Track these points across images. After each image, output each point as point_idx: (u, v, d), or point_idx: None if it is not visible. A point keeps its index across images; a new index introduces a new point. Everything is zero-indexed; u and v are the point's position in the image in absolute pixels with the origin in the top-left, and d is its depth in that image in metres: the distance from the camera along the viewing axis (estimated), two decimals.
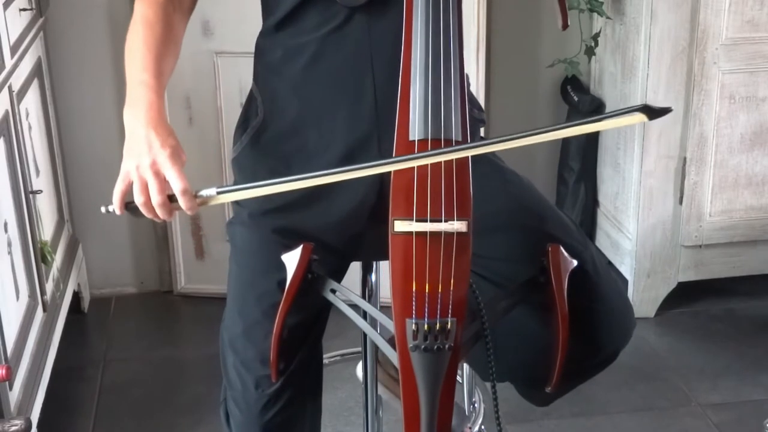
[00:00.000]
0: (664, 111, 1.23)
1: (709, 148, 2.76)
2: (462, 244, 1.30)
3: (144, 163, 1.36)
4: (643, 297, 2.90)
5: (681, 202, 2.80)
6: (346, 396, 2.52)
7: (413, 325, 1.28)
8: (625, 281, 2.90)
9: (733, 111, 2.73)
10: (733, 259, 2.88)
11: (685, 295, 2.94)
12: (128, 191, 1.38)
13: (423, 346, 1.27)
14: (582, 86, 3.11)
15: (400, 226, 1.30)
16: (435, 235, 1.29)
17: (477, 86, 2.83)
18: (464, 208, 1.31)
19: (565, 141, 3.13)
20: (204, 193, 1.35)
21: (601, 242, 3.10)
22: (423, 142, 1.33)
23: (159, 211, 1.36)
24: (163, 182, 1.35)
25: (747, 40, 2.68)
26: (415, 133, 1.34)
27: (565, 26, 1.50)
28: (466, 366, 2.04)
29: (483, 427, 2.08)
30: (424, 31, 1.36)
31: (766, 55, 2.70)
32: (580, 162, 3.09)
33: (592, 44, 2.99)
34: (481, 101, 2.80)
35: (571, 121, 3.13)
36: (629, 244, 2.88)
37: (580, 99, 3.05)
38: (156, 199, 1.35)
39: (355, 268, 1.72)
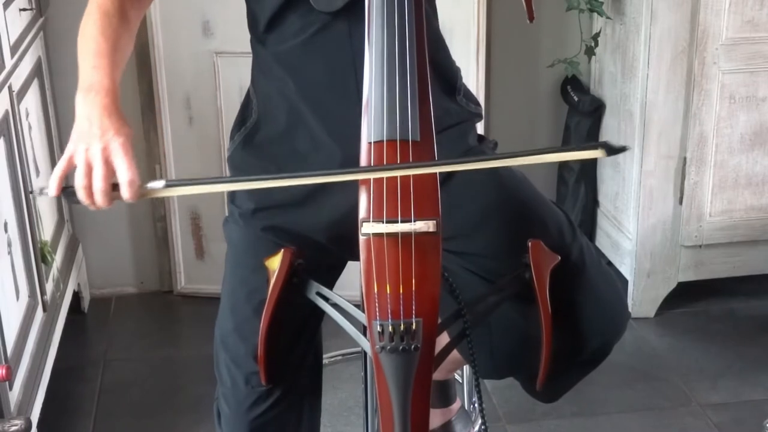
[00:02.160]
0: (621, 149, 1.25)
1: (709, 148, 2.76)
2: (425, 243, 1.29)
3: (95, 147, 1.33)
4: (643, 297, 2.90)
5: (681, 202, 2.80)
6: (346, 396, 2.52)
7: (378, 327, 1.27)
8: (625, 281, 2.90)
9: (733, 111, 2.73)
10: (733, 259, 2.88)
11: (685, 295, 2.94)
12: (68, 174, 1.35)
13: (389, 347, 1.26)
14: (582, 86, 3.11)
15: (364, 228, 1.30)
16: (392, 236, 1.28)
17: (477, 86, 2.83)
18: (427, 208, 1.29)
19: (566, 141, 3.12)
20: (150, 185, 1.32)
21: (601, 242, 3.10)
22: (379, 144, 1.33)
23: (98, 198, 1.33)
24: (111, 170, 1.33)
25: (747, 40, 2.68)
26: (372, 135, 1.34)
27: (531, 18, 1.51)
28: (466, 366, 2.04)
29: (482, 427, 2.08)
30: (379, 35, 1.36)
31: (766, 55, 2.70)
32: (580, 162, 3.09)
33: (592, 44, 2.99)
34: (481, 100, 2.79)
35: (570, 120, 3.14)
36: (629, 244, 2.88)
37: (580, 99, 3.05)
38: (99, 185, 1.32)
39: (355, 268, 1.72)
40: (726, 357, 2.73)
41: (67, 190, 1.34)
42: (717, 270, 2.90)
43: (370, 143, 1.34)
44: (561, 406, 2.12)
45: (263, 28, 1.54)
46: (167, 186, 1.33)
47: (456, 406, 1.96)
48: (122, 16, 1.48)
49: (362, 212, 1.31)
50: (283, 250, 1.42)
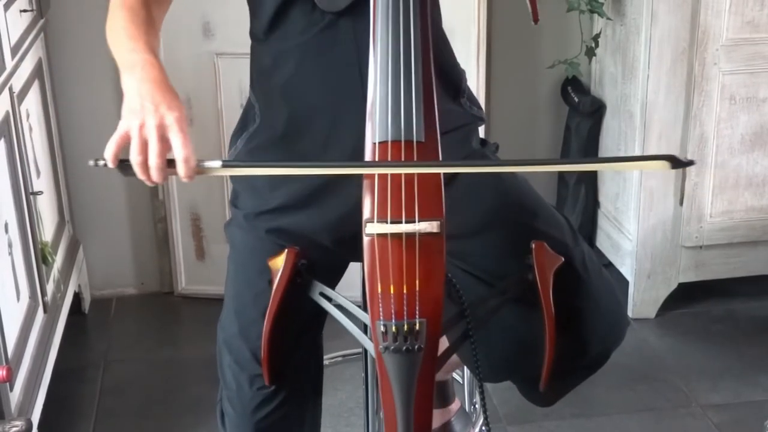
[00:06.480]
0: (688, 163, 1.29)
1: (709, 149, 2.75)
2: (430, 244, 1.29)
3: (150, 123, 1.29)
4: (644, 298, 2.89)
5: (681, 203, 2.80)
6: (346, 397, 2.52)
7: (382, 327, 1.27)
8: (625, 282, 2.90)
9: (733, 112, 2.73)
10: (733, 260, 2.88)
11: (685, 296, 2.94)
12: (124, 148, 1.32)
13: (392, 348, 1.26)
14: (582, 87, 3.11)
15: (368, 228, 1.30)
16: (396, 236, 1.28)
17: (477, 87, 2.83)
18: (431, 209, 1.29)
19: (566, 142, 3.13)
20: (207, 164, 1.30)
21: (602, 243, 3.10)
22: (384, 144, 1.33)
23: (154, 174, 1.30)
24: (167, 146, 1.30)
25: (747, 41, 2.68)
26: (376, 135, 1.34)
27: (535, 20, 1.51)
28: (466, 366, 2.04)
29: (484, 428, 2.08)
30: (384, 36, 1.36)
31: (766, 56, 2.70)
32: None
33: (593, 45, 2.99)
34: (481, 101, 2.80)
35: (571, 121, 3.14)
36: (630, 245, 2.88)
37: (580, 100, 3.05)
38: (154, 161, 1.29)
39: (356, 268, 1.72)
40: (726, 358, 2.73)
41: (123, 164, 1.31)
42: (717, 271, 2.90)
43: (374, 143, 1.34)
44: (561, 408, 2.11)
45: (266, 26, 1.52)
46: (224, 166, 1.32)
47: (455, 406, 1.96)
48: (147, 11, 1.46)
49: (366, 212, 1.31)
50: (287, 249, 1.42)
